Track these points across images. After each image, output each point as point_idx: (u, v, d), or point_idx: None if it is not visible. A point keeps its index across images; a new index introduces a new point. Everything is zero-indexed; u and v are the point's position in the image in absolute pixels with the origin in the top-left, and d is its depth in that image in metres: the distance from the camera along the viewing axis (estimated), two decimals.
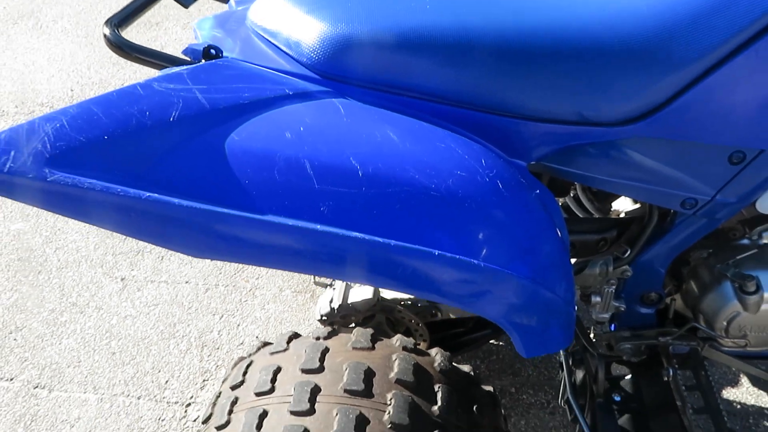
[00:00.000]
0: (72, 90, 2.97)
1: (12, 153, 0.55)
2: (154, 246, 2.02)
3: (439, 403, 0.95)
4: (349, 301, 1.28)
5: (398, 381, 0.94)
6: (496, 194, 0.77)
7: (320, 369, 0.95)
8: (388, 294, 1.31)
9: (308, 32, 0.86)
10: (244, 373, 1.02)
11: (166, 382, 1.65)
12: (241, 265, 1.96)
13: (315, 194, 0.65)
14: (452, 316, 1.33)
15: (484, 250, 0.70)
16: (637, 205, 1.15)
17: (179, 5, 1.12)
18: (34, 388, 1.65)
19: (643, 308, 1.12)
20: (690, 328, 1.12)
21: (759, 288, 1.00)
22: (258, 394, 0.95)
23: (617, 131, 0.90)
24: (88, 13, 3.70)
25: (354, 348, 0.99)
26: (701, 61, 0.85)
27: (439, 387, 0.97)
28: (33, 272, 2.00)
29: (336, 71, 0.85)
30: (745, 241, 1.06)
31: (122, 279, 1.95)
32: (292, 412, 0.90)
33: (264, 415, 0.92)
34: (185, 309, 1.84)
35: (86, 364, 1.70)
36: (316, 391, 0.92)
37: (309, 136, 0.69)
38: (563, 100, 0.89)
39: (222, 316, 1.81)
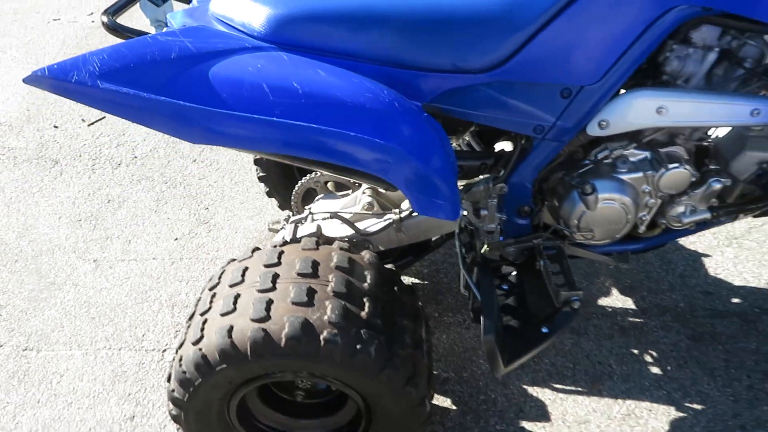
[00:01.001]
0: (28, 110, 3.19)
1: (75, 72, 0.87)
2: (121, 233, 2.28)
3: (368, 281, 1.28)
4: (297, 236, 1.60)
5: (337, 267, 1.27)
6: (394, 104, 1.12)
7: (278, 263, 1.27)
8: (329, 232, 1.64)
9: (256, 14, 1.21)
10: (219, 278, 1.33)
11: (143, 335, 1.91)
12: (203, 242, 2.24)
13: (270, 102, 0.99)
14: (381, 248, 1.67)
15: (386, 135, 1.05)
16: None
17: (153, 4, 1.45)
18: (24, 351, 1.88)
19: (520, 219, 1.50)
20: (554, 231, 1.50)
21: (594, 190, 1.39)
22: (231, 286, 1.26)
23: (482, 77, 1.28)
24: (36, 43, 3.93)
25: (303, 249, 1.32)
26: (535, 23, 1.24)
27: (368, 272, 1.31)
28: (10, 261, 2.22)
29: (279, 39, 1.20)
30: (586, 161, 1.45)
31: (95, 260, 2.20)
32: (259, 290, 1.21)
33: (237, 296, 1.23)
34: (155, 279, 2.11)
35: (69, 329, 1.94)
36: (276, 276, 1.24)
37: (264, 68, 1.03)
38: (443, 55, 1.26)
39: (188, 281, 2.08)
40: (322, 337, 1.14)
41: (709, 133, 1.52)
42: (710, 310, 1.79)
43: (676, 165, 1.39)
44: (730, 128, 1.51)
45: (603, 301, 1.85)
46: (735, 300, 1.81)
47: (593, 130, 1.36)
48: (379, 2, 1.26)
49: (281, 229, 1.71)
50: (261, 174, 2.05)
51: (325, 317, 1.16)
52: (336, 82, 1.10)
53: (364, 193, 1.73)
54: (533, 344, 1.31)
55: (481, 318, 1.26)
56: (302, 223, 1.66)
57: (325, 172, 1.49)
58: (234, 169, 2.63)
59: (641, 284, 1.89)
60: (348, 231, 1.64)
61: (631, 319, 1.79)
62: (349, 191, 1.81)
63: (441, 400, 1.63)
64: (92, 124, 3.05)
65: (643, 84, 1.38)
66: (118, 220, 2.40)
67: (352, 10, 1.22)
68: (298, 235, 1.61)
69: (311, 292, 1.20)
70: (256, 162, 2.04)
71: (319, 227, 1.62)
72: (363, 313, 1.21)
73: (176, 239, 2.28)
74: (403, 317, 1.30)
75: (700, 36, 1.32)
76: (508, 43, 1.25)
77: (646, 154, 1.42)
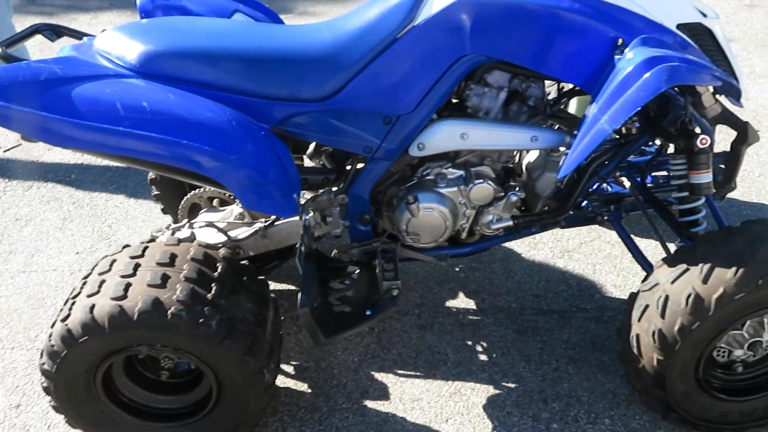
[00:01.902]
0: None
1: None
2: (25, 247, 2.45)
3: (219, 270, 1.54)
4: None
5: (192, 259, 1.52)
6: (232, 123, 1.41)
7: (141, 255, 1.51)
8: (204, 239, 1.88)
9: (128, 49, 1.49)
10: (92, 269, 1.56)
11: (36, 336, 2.08)
12: (102, 255, 2.44)
13: (122, 115, 1.26)
14: (251, 253, 1.93)
15: (220, 146, 1.34)
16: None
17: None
18: None
19: (362, 226, 1.79)
20: (389, 235, 1.79)
21: (417, 200, 1.70)
22: (100, 274, 1.49)
23: (317, 105, 1.58)
24: None
25: (166, 245, 1.56)
26: (358, 63, 1.56)
27: (220, 264, 1.56)
28: None
29: (145, 71, 1.48)
30: (414, 178, 1.77)
31: None
32: (121, 276, 1.45)
33: (103, 281, 1.46)
34: (53, 288, 2.29)
35: None
36: (137, 265, 1.48)
37: (120, 90, 1.31)
38: (283, 87, 1.56)
39: None
40: (169, 312, 1.38)
41: (516, 157, 1.87)
42: (536, 309, 2.12)
43: (481, 181, 1.72)
44: (537, 154, 1.87)
45: (449, 303, 2.15)
46: (558, 301, 2.15)
47: (413, 151, 1.67)
48: (229, 42, 1.56)
49: (161, 235, 1.95)
50: (156, 192, 2.29)
51: (174, 296, 1.41)
52: (183, 103, 1.38)
53: (237, 204, 1.99)
54: (356, 323, 1.59)
55: (299, 295, 1.53)
56: (180, 230, 1.90)
57: (193, 182, 1.75)
58: (141, 192, 2.85)
59: (484, 288, 2.21)
60: (222, 238, 1.89)
61: (470, 317, 2.09)
62: (231, 206, 2.07)
63: (299, 385, 1.87)
64: (8, 150, 3.22)
65: (455, 114, 1.72)
66: (23, 236, 2.57)
67: (207, 48, 1.52)
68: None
69: (165, 277, 1.45)
70: (151, 181, 2.28)
71: (193, 233, 1.86)
72: (209, 295, 1.46)
73: (77, 253, 2.47)
74: (248, 302, 1.55)
75: (493, 78, 1.66)
76: (337, 79, 1.56)
77: (461, 172, 1.75)
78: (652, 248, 2.34)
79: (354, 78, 1.57)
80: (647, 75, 1.31)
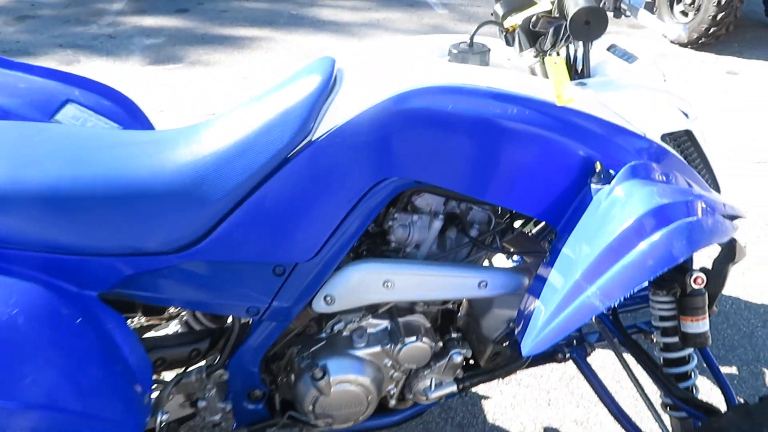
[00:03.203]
0: None
1: None
2: None
3: None
4: None
5: None
6: (39, 339, 0.88)
7: None
8: None
9: None
10: None
11: None
12: None
13: None
14: None
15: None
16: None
17: None
18: None
19: (253, 405, 1.28)
20: (290, 416, 1.29)
21: (326, 373, 1.22)
22: None
23: (172, 258, 1.07)
24: None
25: None
26: (228, 199, 1.07)
27: None
28: None
29: None
30: (322, 335, 1.28)
31: None
32: None
33: None
34: None
35: None
36: None
37: None
38: (119, 237, 1.04)
39: None
40: None
41: None
42: None
43: (413, 339, 1.26)
44: None
45: None
46: None
47: (319, 306, 1.19)
48: (34, 173, 1.02)
49: None
50: None
51: None
52: None
53: None
54: None
55: None
56: None
57: None
58: None
59: None
60: None
61: None
62: None
63: None
64: None
65: (376, 251, 1.26)
66: None
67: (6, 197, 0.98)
68: None
69: None
70: None
71: None
72: None
73: None
74: None
75: (424, 202, 1.22)
76: (200, 222, 1.07)
77: (385, 324, 1.28)
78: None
79: (227, 217, 1.07)
80: (656, 238, 0.90)
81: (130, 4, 5.84)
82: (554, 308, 0.99)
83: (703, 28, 4.68)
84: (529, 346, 1.03)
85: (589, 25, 0.98)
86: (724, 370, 1.92)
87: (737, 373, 1.91)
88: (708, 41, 4.76)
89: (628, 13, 1.03)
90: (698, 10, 4.73)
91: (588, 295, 0.93)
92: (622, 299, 0.91)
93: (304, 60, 4.54)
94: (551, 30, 1.07)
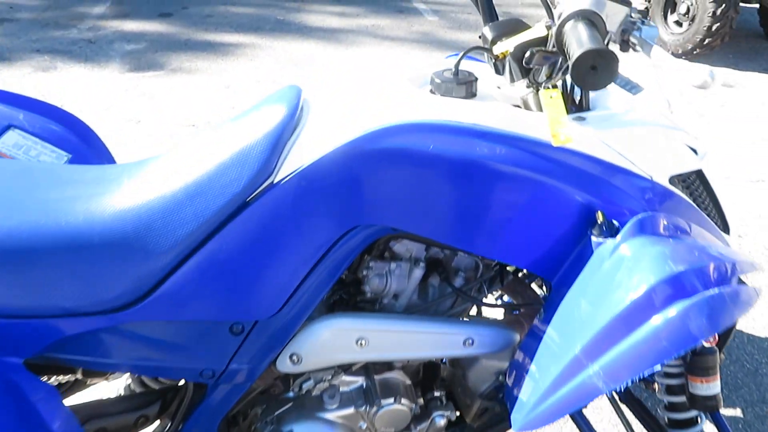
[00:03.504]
0: None
1: None
2: None
3: None
4: None
5: None
6: None
7: None
8: None
9: None
10: None
11: None
12: None
13: None
14: None
15: None
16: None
17: None
18: None
19: None
20: None
21: None
22: None
23: (110, 319, 0.93)
24: None
25: None
26: (177, 249, 0.93)
27: None
28: None
29: None
30: (289, 394, 1.15)
31: None
32: None
33: None
34: None
35: None
36: None
37: None
38: (46, 295, 0.90)
39: None
40: None
41: None
42: None
43: (390, 401, 1.12)
44: None
45: None
46: None
47: (284, 366, 1.06)
48: None
49: None
50: None
51: None
52: None
53: None
54: None
55: None
56: None
57: None
58: None
59: None
60: None
61: None
62: None
63: None
64: None
65: (349, 301, 1.13)
66: None
67: None
68: None
69: None
70: None
71: None
72: None
73: None
74: None
75: (403, 248, 1.09)
76: (143, 277, 0.93)
77: (360, 381, 1.15)
78: None
79: (174, 271, 0.93)
80: (672, 314, 0.76)
81: (112, 7, 5.68)
82: (550, 383, 0.85)
83: (698, 39, 4.59)
84: (520, 423, 0.90)
85: (596, 71, 0.81)
86: (728, 412, 1.80)
87: (741, 415, 1.79)
88: (702, 52, 4.67)
89: (638, 48, 0.89)
90: (693, 20, 4.63)
91: (589, 375, 0.80)
92: (629, 383, 0.78)
93: (290, 68, 4.40)
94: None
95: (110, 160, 1.41)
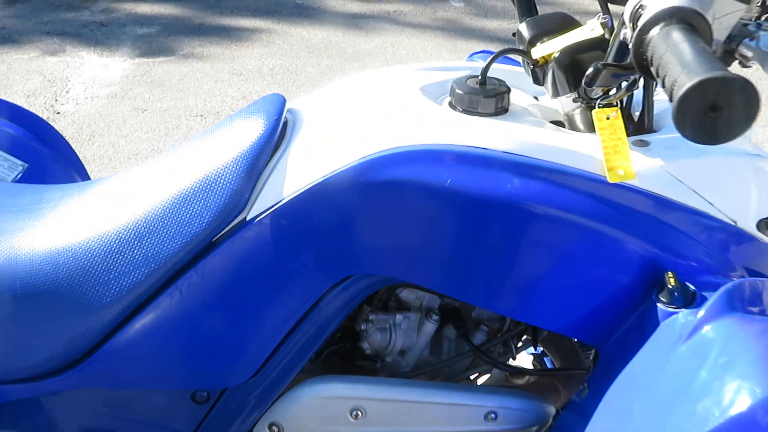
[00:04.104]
0: None
1: None
2: None
3: None
4: None
5: None
6: None
7: None
8: None
9: None
10: None
11: None
12: None
13: None
14: None
15: None
16: None
17: None
18: None
19: None
20: None
21: None
22: None
23: (39, 386, 0.74)
24: None
25: None
26: (123, 302, 0.73)
27: None
28: None
29: None
30: None
31: None
32: None
33: None
34: None
35: None
36: None
37: None
38: None
39: None
40: None
41: None
42: None
43: None
44: None
45: None
46: None
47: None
48: None
49: None
50: None
51: None
52: None
53: None
54: None
55: None
56: None
57: None
58: None
59: None
60: None
61: None
62: None
63: None
64: None
65: (346, 362, 0.93)
66: None
67: None
68: None
69: None
70: None
71: None
72: None
73: None
74: None
75: (413, 295, 0.88)
76: (80, 336, 0.74)
77: None
78: None
79: (119, 328, 0.73)
80: None
81: None
82: None
83: None
84: None
85: (720, 112, 0.48)
86: None
87: None
88: None
89: (751, 62, 0.65)
90: None
91: None
92: None
93: (306, 56, 4.20)
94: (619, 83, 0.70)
95: (79, 169, 1.22)
